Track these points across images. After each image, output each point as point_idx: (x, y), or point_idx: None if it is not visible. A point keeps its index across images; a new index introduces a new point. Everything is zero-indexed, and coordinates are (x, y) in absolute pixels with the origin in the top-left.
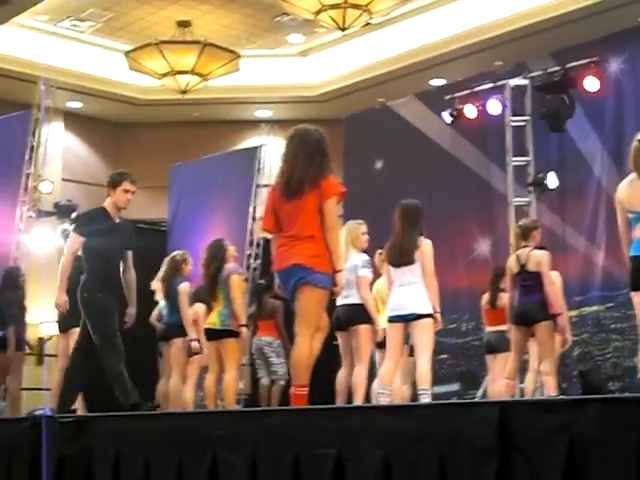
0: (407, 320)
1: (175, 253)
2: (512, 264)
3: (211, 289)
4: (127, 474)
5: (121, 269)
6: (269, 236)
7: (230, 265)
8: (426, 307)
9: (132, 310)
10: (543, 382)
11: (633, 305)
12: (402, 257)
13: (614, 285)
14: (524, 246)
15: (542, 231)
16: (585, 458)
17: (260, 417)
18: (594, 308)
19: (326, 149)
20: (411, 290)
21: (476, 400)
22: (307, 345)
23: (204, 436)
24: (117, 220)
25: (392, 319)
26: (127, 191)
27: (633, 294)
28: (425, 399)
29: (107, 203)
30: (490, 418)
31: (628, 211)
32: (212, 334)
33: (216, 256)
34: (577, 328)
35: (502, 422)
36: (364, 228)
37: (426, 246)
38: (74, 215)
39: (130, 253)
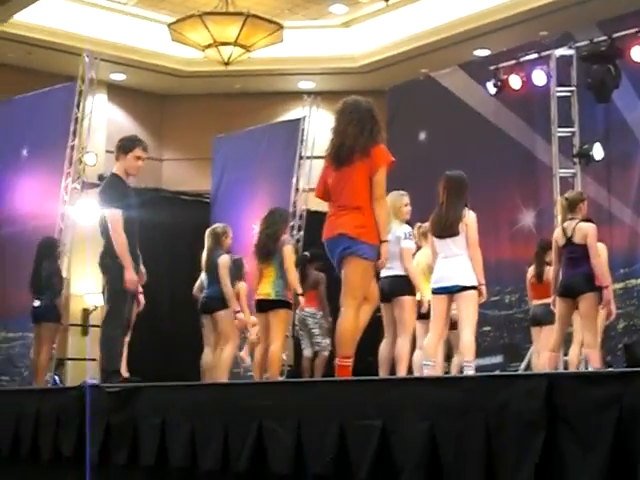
0: (451, 292)
1: (215, 225)
2: (558, 237)
3: (264, 255)
4: (173, 444)
5: None
6: (313, 208)
7: (284, 236)
8: (470, 279)
9: (141, 269)
10: (587, 355)
11: None
12: (447, 228)
13: None
14: (570, 218)
15: (587, 203)
16: (634, 431)
17: (305, 388)
18: None
19: (377, 117)
20: (455, 262)
21: (522, 372)
22: (352, 316)
23: (249, 407)
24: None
25: (436, 291)
26: (139, 157)
27: None
28: (469, 371)
29: (117, 169)
30: (537, 391)
31: None
32: (265, 305)
33: (275, 222)
34: (622, 300)
35: (549, 395)
36: (407, 199)
37: (470, 218)
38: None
39: None
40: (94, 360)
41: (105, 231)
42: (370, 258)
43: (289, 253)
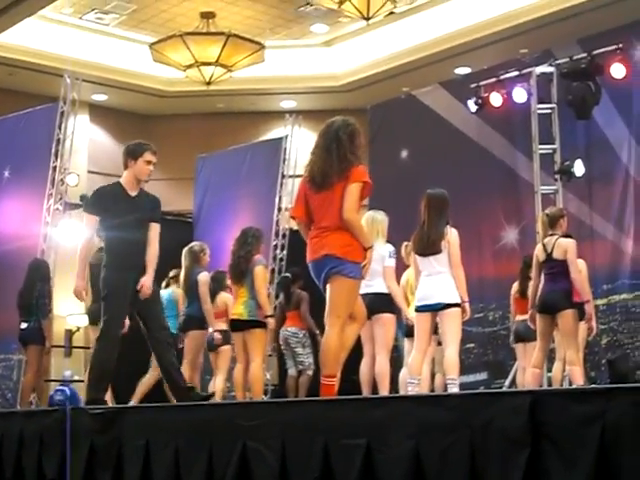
0: (435, 310)
1: (192, 244)
2: (539, 252)
3: (237, 275)
4: (157, 465)
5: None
6: (295, 227)
7: (256, 256)
8: (453, 296)
9: (146, 278)
10: (569, 371)
11: None
12: (429, 246)
13: None
14: (551, 234)
15: (569, 219)
16: (617, 447)
17: (289, 408)
18: (623, 296)
19: (345, 137)
20: (438, 279)
21: (506, 390)
22: (335, 335)
23: (233, 427)
24: (134, 193)
25: (419, 309)
26: (149, 162)
27: None
28: (453, 388)
29: (124, 177)
30: (521, 408)
31: None
32: (239, 325)
33: (247, 242)
34: (605, 316)
35: (533, 412)
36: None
37: (452, 235)
38: (81, 195)
39: (155, 225)
40: (81, 382)
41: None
42: (356, 277)
43: (260, 274)
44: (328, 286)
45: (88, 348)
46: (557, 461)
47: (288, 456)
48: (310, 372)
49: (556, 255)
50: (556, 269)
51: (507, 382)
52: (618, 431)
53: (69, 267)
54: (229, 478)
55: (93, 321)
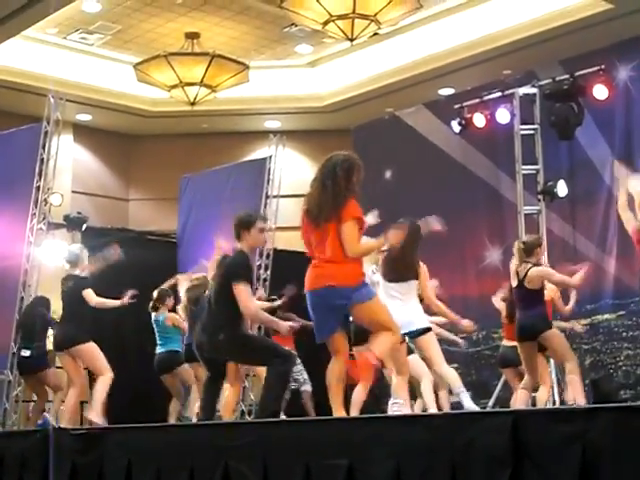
0: (411, 336)
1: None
2: (512, 278)
3: None
4: None
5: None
6: (279, 247)
7: None
8: (426, 320)
9: None
10: (568, 382)
11: None
12: (400, 273)
13: (626, 293)
14: (525, 262)
15: (553, 240)
16: (598, 467)
17: (271, 428)
18: (606, 316)
19: (341, 173)
20: (409, 306)
21: (488, 410)
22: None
23: (215, 447)
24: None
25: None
26: (262, 230)
27: None
28: (464, 397)
29: (243, 246)
30: (503, 427)
31: None
32: None
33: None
34: (589, 337)
35: (515, 431)
36: None
37: (423, 268)
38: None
39: None
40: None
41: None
42: (372, 295)
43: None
44: (356, 317)
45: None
46: None
47: (270, 476)
48: (309, 387)
49: (528, 285)
50: (527, 297)
51: (491, 402)
52: (599, 450)
53: (51, 287)
54: None
55: (57, 346)
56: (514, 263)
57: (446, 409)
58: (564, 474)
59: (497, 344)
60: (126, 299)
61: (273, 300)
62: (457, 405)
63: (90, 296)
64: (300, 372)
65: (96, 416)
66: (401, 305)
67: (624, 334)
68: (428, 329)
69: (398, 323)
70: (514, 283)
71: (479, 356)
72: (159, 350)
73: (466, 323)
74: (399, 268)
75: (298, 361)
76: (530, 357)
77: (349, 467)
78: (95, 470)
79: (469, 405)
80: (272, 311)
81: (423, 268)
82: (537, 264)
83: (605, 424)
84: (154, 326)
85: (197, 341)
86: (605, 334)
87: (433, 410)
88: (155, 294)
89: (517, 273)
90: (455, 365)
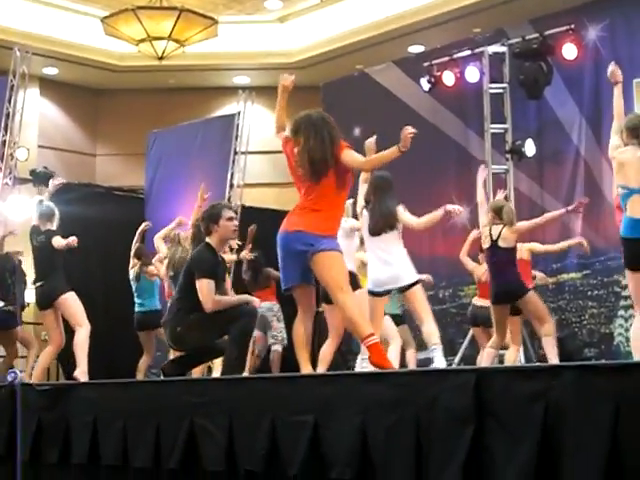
0: (400, 291)
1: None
2: (484, 239)
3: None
4: (105, 441)
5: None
6: (247, 203)
7: None
8: (414, 274)
9: None
10: (543, 343)
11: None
12: (380, 225)
13: (591, 253)
14: (498, 223)
15: (520, 198)
16: (561, 425)
17: (236, 385)
18: (571, 275)
19: (329, 122)
20: (394, 261)
21: (452, 367)
22: (352, 299)
23: (181, 404)
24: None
25: (378, 293)
26: (230, 218)
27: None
28: (438, 352)
29: (213, 242)
30: (466, 385)
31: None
32: None
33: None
34: (554, 295)
35: (478, 389)
36: None
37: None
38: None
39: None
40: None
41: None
42: (338, 249)
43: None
44: (314, 267)
45: (38, 324)
46: (501, 438)
47: (235, 433)
48: (280, 348)
49: (502, 243)
50: (501, 257)
51: (456, 360)
52: (562, 408)
53: (17, 242)
54: (176, 454)
55: (42, 305)
56: (483, 226)
57: (412, 366)
58: (527, 432)
59: (463, 302)
60: (72, 242)
61: (256, 257)
62: (423, 363)
63: (56, 239)
64: (280, 330)
65: (83, 374)
66: (386, 259)
67: (589, 293)
68: (416, 282)
69: (384, 279)
70: (486, 244)
71: (445, 314)
72: (140, 309)
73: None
74: (378, 221)
75: (282, 318)
76: (502, 319)
77: (315, 424)
78: (61, 426)
79: (440, 362)
80: (255, 265)
81: (400, 209)
82: (510, 224)
83: (568, 382)
84: (132, 283)
85: (162, 321)
86: (570, 293)
87: None
88: (133, 251)
89: (490, 234)
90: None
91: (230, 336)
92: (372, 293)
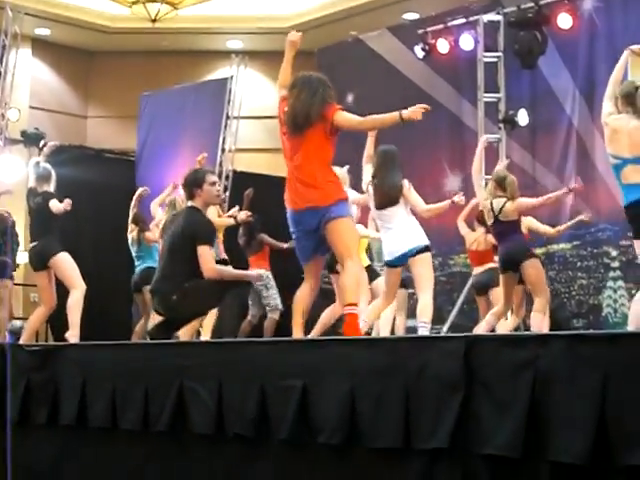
0: (406, 258)
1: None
2: (486, 213)
3: None
4: (93, 402)
5: None
6: (238, 168)
7: None
8: (422, 239)
9: None
10: (532, 317)
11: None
12: (385, 198)
13: (582, 223)
14: (499, 196)
15: (512, 168)
16: (549, 393)
17: (226, 348)
18: (561, 246)
19: (328, 83)
20: (401, 229)
21: (442, 334)
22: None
23: (170, 366)
24: None
25: (390, 263)
26: (213, 183)
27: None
28: (424, 331)
29: (197, 203)
30: (455, 353)
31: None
32: None
33: None
34: (544, 266)
35: (467, 357)
36: None
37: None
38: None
39: None
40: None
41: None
42: (348, 213)
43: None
44: (328, 235)
45: (30, 286)
46: (490, 405)
47: (225, 396)
48: (276, 315)
49: (503, 218)
50: (506, 229)
51: (445, 327)
52: (550, 377)
53: (10, 202)
54: (165, 417)
55: (36, 265)
56: (484, 198)
57: (400, 333)
58: (515, 399)
59: (452, 270)
60: (68, 205)
61: (250, 222)
62: (412, 331)
63: (53, 203)
64: (273, 297)
65: (74, 337)
66: (391, 228)
67: (578, 264)
68: (423, 250)
69: (392, 248)
70: (490, 220)
71: (435, 282)
72: (139, 266)
73: None
74: (382, 194)
75: (272, 284)
76: (509, 286)
77: (303, 388)
78: (50, 387)
79: None
80: (251, 230)
81: (406, 184)
82: (512, 197)
83: (556, 351)
84: (132, 247)
85: (151, 288)
86: (560, 263)
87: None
88: (131, 216)
89: (492, 209)
90: (411, 290)
91: (224, 302)
92: (386, 264)
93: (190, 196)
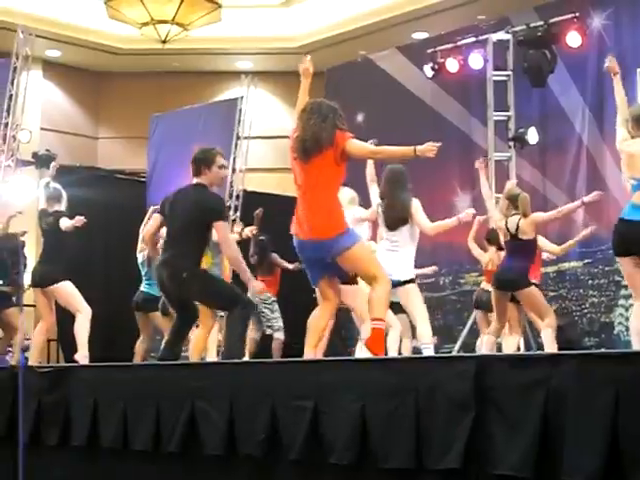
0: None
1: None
2: (502, 232)
3: None
4: (105, 424)
5: None
6: (249, 188)
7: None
8: (410, 272)
9: None
10: (542, 335)
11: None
12: (394, 219)
13: (593, 241)
14: (514, 214)
15: (522, 187)
16: (560, 413)
17: (237, 369)
18: (572, 264)
19: (339, 111)
20: (397, 255)
21: (453, 354)
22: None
23: (182, 387)
24: None
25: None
26: (222, 166)
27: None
28: (428, 352)
29: (204, 181)
30: (467, 372)
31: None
32: None
33: None
34: (555, 284)
35: (478, 377)
36: None
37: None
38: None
39: None
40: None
41: None
42: (357, 240)
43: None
44: (344, 263)
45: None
46: (501, 425)
47: (236, 417)
48: (281, 336)
49: (523, 236)
50: (520, 247)
51: (456, 347)
52: (562, 396)
53: (19, 224)
54: (176, 438)
55: (36, 284)
56: (499, 219)
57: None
58: (527, 419)
59: (463, 289)
60: (78, 222)
61: (262, 240)
62: (417, 351)
63: (64, 221)
64: (276, 319)
65: (84, 358)
66: (392, 250)
67: (590, 282)
68: (408, 281)
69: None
70: (506, 238)
71: (445, 301)
72: (148, 290)
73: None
74: (393, 215)
75: (276, 307)
76: (501, 305)
77: (314, 408)
78: (61, 409)
79: None
80: (263, 249)
81: (415, 204)
82: (524, 215)
83: (568, 371)
84: (142, 267)
85: (157, 275)
86: (571, 281)
87: None
88: (141, 235)
89: (507, 227)
90: None
91: (228, 321)
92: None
93: (197, 173)
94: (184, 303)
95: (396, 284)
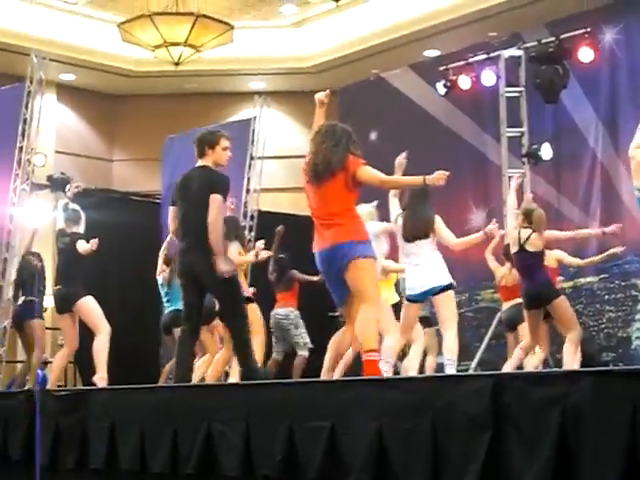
0: (429, 295)
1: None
2: (512, 243)
3: None
4: (122, 446)
5: None
6: (264, 208)
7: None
8: (446, 277)
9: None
10: (564, 350)
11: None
12: (415, 231)
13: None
14: (526, 227)
15: (536, 202)
16: (578, 430)
17: (254, 390)
18: (588, 279)
19: (352, 135)
20: (427, 264)
21: (470, 373)
22: (375, 311)
23: (198, 409)
24: None
25: (412, 298)
26: (226, 148)
27: None
28: (451, 369)
29: (208, 162)
30: (483, 390)
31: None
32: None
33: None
34: (571, 299)
35: (495, 394)
36: None
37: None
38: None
39: None
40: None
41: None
42: (372, 255)
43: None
44: (348, 275)
45: (57, 329)
46: (519, 443)
47: (253, 438)
48: (306, 353)
49: (529, 247)
50: (529, 261)
51: (473, 364)
52: (579, 414)
53: (35, 247)
54: (194, 459)
55: (60, 309)
56: (511, 228)
57: (430, 372)
58: (544, 437)
59: (480, 306)
60: (94, 245)
61: (282, 258)
62: (440, 368)
63: (81, 244)
64: (301, 335)
65: (102, 380)
66: (417, 263)
67: (606, 297)
68: (446, 287)
69: (415, 283)
70: (514, 249)
71: (461, 318)
72: (168, 307)
73: None
74: (413, 227)
75: (301, 323)
76: (536, 323)
77: (331, 429)
78: (79, 431)
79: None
80: (283, 266)
81: (437, 219)
82: (538, 231)
83: (585, 388)
84: (162, 289)
85: (184, 260)
86: (588, 297)
87: (412, 373)
88: (161, 258)
89: (518, 238)
90: (437, 327)
91: (234, 339)
92: (407, 299)
93: (201, 154)
94: (200, 291)
95: (431, 292)
